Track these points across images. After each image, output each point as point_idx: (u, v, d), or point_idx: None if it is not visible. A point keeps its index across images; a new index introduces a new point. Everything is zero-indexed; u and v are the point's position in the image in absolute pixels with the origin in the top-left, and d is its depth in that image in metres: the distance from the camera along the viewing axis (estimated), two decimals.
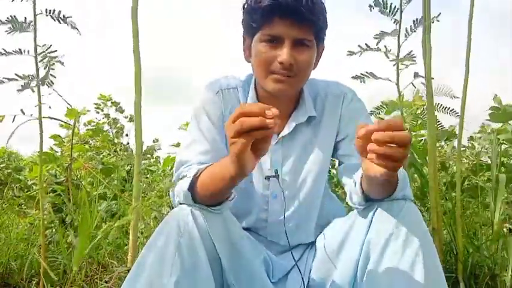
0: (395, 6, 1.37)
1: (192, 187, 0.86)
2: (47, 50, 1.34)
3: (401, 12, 1.37)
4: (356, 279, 0.89)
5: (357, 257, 0.88)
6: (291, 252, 1.01)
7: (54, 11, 1.33)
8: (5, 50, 1.32)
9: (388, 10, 1.37)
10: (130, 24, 1.23)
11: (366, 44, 1.39)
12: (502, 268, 1.23)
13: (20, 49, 1.33)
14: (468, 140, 2.96)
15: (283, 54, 0.92)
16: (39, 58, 1.34)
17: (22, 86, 1.33)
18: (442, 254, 1.31)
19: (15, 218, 2.05)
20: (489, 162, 1.94)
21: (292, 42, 0.93)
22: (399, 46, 1.38)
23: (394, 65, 1.39)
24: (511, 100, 1.89)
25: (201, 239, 0.82)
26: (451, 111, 1.46)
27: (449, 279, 1.32)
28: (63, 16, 1.34)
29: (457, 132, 1.40)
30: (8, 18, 1.30)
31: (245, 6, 0.99)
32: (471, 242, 1.43)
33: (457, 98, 1.36)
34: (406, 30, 1.37)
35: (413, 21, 1.35)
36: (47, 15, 1.33)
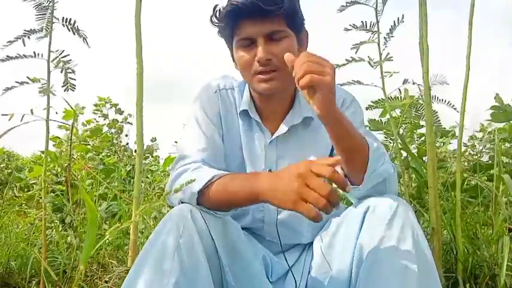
0: (371, 22, 1.50)
1: (201, 190, 0.85)
2: (60, 55, 1.39)
3: (378, 23, 1.49)
4: (351, 281, 0.89)
5: (350, 260, 0.87)
6: (283, 254, 0.99)
7: (70, 20, 1.38)
8: (19, 54, 1.35)
9: (367, 27, 1.50)
10: (132, 27, 1.25)
11: (351, 57, 1.53)
12: (502, 268, 1.23)
13: (34, 53, 1.37)
14: (469, 139, 2.95)
15: (258, 52, 0.93)
16: (52, 63, 1.38)
17: (40, 89, 1.38)
18: (441, 254, 1.30)
19: (15, 218, 2.05)
20: (489, 161, 1.94)
21: (265, 38, 0.93)
22: (380, 53, 1.51)
23: (375, 68, 1.50)
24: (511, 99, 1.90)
25: (200, 239, 0.82)
26: (448, 103, 1.49)
27: (449, 279, 1.32)
28: (77, 27, 1.38)
29: (456, 132, 1.41)
30: (27, 31, 1.36)
31: (212, 20, 0.99)
32: (471, 242, 1.43)
33: (448, 84, 1.46)
34: (385, 38, 1.49)
35: (390, 28, 1.47)
36: (63, 25, 1.38)
